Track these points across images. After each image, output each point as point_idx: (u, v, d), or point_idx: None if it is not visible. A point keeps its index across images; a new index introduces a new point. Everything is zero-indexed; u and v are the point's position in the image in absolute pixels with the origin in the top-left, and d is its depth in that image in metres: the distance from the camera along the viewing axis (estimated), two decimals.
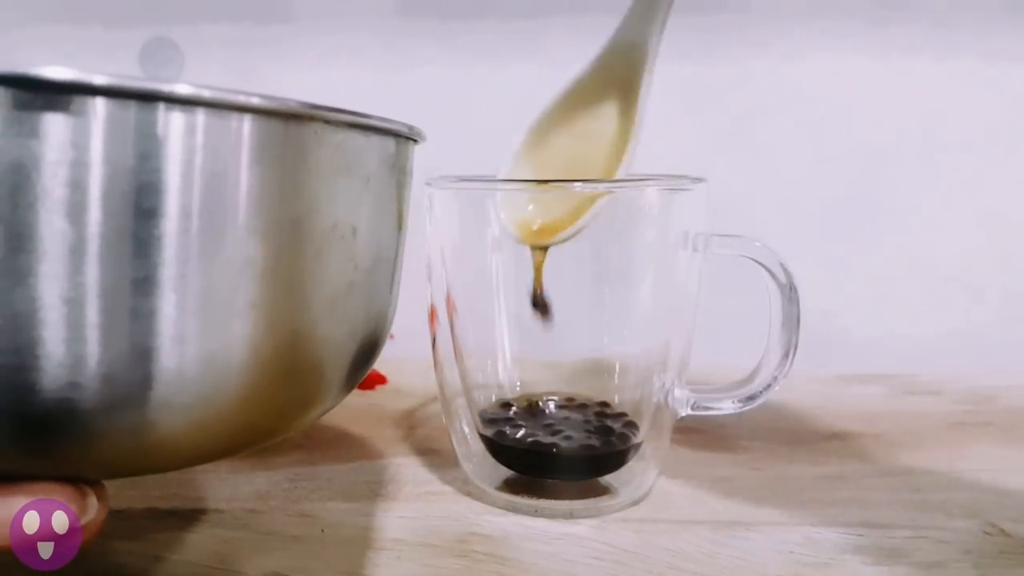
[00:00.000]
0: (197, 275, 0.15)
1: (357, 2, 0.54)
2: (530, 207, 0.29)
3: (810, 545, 0.26)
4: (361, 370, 0.22)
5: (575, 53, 0.54)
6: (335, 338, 0.19)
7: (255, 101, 0.15)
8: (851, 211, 0.55)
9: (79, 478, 0.17)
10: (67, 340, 0.14)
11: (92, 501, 0.17)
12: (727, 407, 0.30)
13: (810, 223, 0.55)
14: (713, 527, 0.28)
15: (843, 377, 0.48)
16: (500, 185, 0.30)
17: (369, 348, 0.22)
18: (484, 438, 0.31)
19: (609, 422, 0.30)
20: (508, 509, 0.29)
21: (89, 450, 0.16)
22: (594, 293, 0.30)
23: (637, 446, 0.30)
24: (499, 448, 0.30)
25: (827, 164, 0.55)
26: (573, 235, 0.29)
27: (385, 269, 0.22)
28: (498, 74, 0.53)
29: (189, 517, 0.28)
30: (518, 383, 0.31)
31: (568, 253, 0.30)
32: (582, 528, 0.28)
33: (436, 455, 0.34)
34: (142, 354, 0.15)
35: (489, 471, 0.31)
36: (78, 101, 0.13)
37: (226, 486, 0.31)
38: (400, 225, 0.23)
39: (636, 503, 0.30)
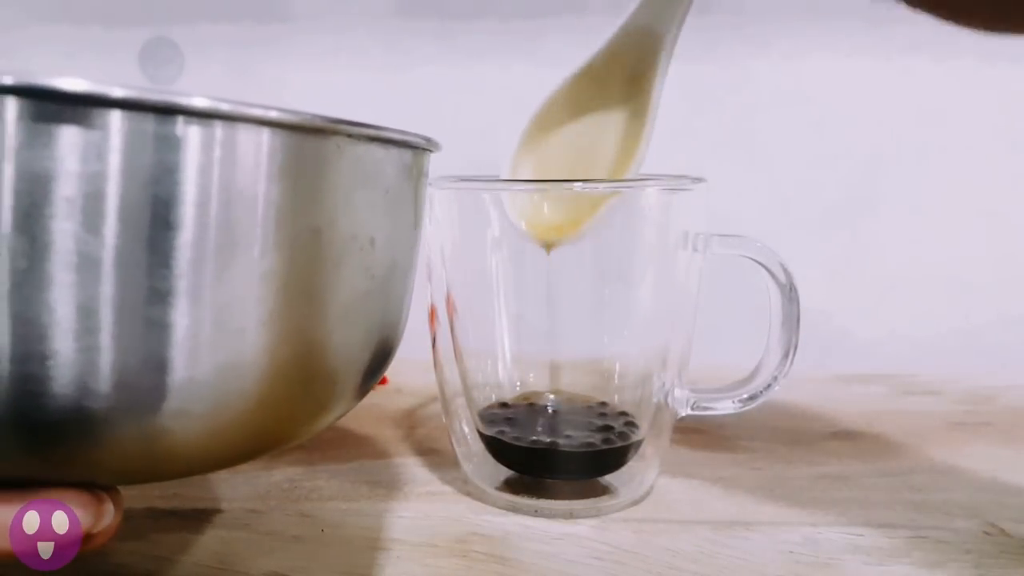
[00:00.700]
0: (213, 287, 0.15)
1: (357, 2, 0.54)
2: (542, 205, 0.29)
3: (810, 545, 0.26)
4: (374, 376, 0.22)
5: (575, 53, 0.54)
6: (350, 346, 0.20)
7: (273, 115, 0.15)
8: (851, 211, 0.55)
9: (94, 484, 0.17)
10: (82, 349, 0.14)
11: (108, 507, 0.17)
12: (727, 407, 0.30)
13: (810, 223, 0.55)
14: (713, 527, 0.28)
15: (843, 377, 0.48)
16: (500, 185, 0.30)
17: (383, 354, 0.22)
18: (484, 438, 0.31)
19: (609, 421, 0.30)
20: (508, 509, 0.29)
21: (103, 457, 0.16)
22: (594, 293, 0.30)
23: (637, 444, 0.30)
24: (499, 448, 0.30)
25: (827, 164, 0.55)
26: (586, 231, 0.28)
27: (400, 277, 0.22)
28: (498, 74, 0.53)
29: (189, 517, 0.28)
30: (518, 383, 0.31)
31: (568, 253, 0.30)
32: (582, 528, 0.28)
33: (436, 455, 0.34)
34: (157, 364, 0.15)
35: (489, 471, 0.31)
36: (96, 113, 0.13)
37: (226, 486, 0.31)
38: (416, 234, 0.23)
39: (636, 503, 0.30)
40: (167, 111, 0.14)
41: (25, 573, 0.22)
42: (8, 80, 0.13)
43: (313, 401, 0.19)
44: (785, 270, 0.28)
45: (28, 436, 0.15)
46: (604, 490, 0.30)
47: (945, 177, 0.54)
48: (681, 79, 0.54)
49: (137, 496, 0.29)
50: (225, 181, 0.15)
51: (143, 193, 0.14)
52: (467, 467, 0.31)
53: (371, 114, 0.19)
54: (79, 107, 0.13)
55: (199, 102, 0.14)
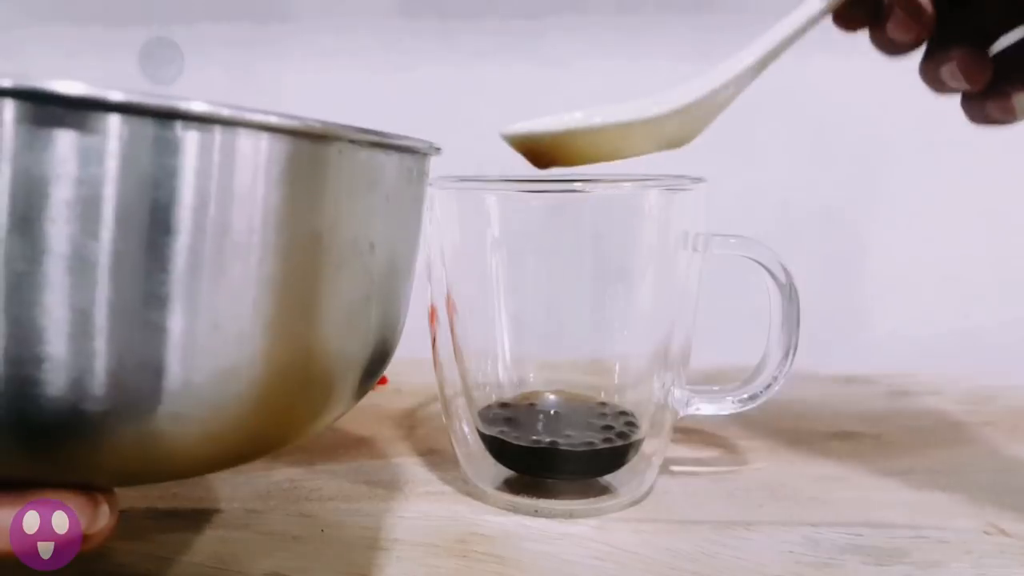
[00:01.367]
0: (211, 292, 0.15)
1: (357, 2, 0.54)
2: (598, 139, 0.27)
3: (810, 545, 0.26)
4: (372, 378, 0.22)
5: (575, 53, 0.54)
6: (349, 350, 0.19)
7: (274, 120, 0.15)
8: (851, 211, 0.55)
9: (91, 485, 0.17)
10: (79, 352, 0.14)
11: (104, 509, 0.17)
12: (727, 407, 0.30)
13: (810, 223, 0.55)
14: (713, 527, 0.28)
15: (843, 377, 0.48)
16: (500, 185, 0.30)
17: (381, 356, 0.22)
18: (484, 438, 0.31)
19: (609, 420, 0.30)
20: (508, 509, 0.29)
21: (99, 459, 0.16)
22: (594, 293, 0.30)
23: (638, 444, 0.30)
24: (499, 448, 0.30)
25: (827, 164, 0.55)
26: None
27: (400, 280, 0.22)
28: (499, 74, 0.53)
29: (189, 517, 0.28)
30: (518, 383, 0.31)
31: (568, 253, 0.30)
32: (582, 528, 0.28)
33: (436, 455, 0.34)
34: (153, 368, 0.15)
35: (489, 471, 0.31)
36: (94, 117, 0.13)
37: (226, 486, 0.31)
38: (416, 237, 0.23)
39: (636, 503, 0.30)
40: (166, 115, 0.14)
41: (25, 573, 0.22)
42: (6, 83, 0.13)
43: (310, 404, 0.19)
44: (785, 270, 0.28)
45: (24, 438, 0.15)
46: (604, 490, 0.30)
47: (945, 177, 0.54)
48: (681, 79, 0.54)
49: (137, 496, 0.29)
50: (224, 186, 0.15)
51: (141, 197, 0.14)
52: (467, 467, 0.31)
53: (371, 114, 0.19)
54: (77, 110, 0.13)
55: (198, 107, 0.14)
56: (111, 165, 0.14)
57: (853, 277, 0.56)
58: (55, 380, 0.14)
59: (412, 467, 0.33)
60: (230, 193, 0.15)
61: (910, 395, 0.45)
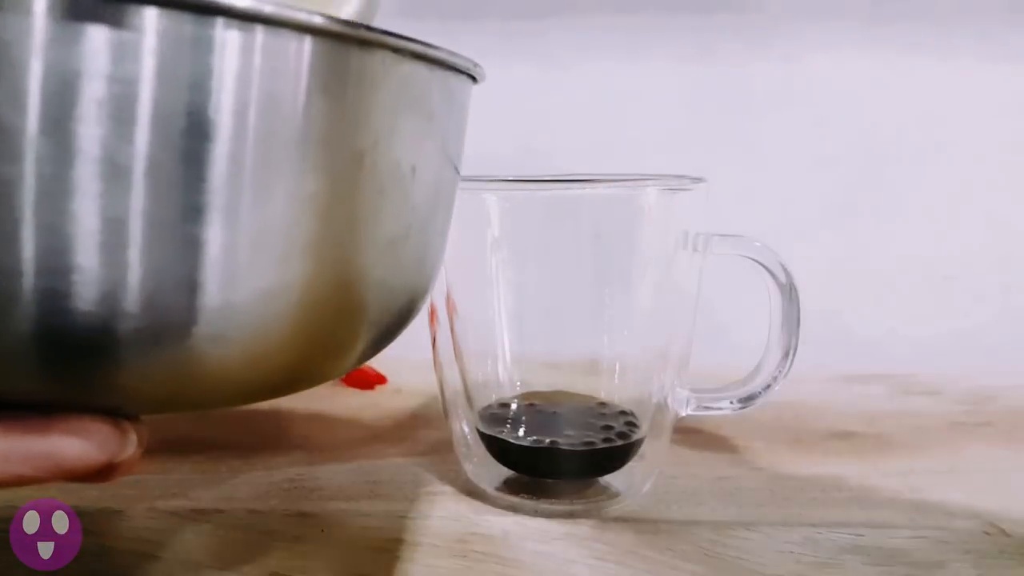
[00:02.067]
0: (251, 207, 0.14)
1: None
2: None
3: (810, 545, 0.26)
4: (400, 325, 0.21)
5: (575, 53, 0.54)
6: (387, 283, 0.18)
7: (318, 21, 0.14)
8: (851, 211, 0.55)
9: (118, 412, 0.16)
10: (110, 264, 0.13)
11: (131, 438, 0.16)
12: (727, 407, 0.30)
13: (810, 223, 0.55)
14: (713, 527, 0.28)
15: (843, 377, 0.48)
16: (500, 185, 0.30)
17: (412, 302, 0.21)
18: (484, 438, 0.31)
19: (609, 420, 0.30)
20: (508, 509, 0.29)
21: (129, 382, 0.15)
22: (594, 293, 0.30)
23: (637, 444, 0.30)
24: (499, 448, 0.30)
25: (827, 164, 0.55)
26: None
27: (441, 218, 0.21)
28: (499, 74, 0.53)
29: (189, 517, 0.28)
30: (518, 383, 0.31)
31: (568, 253, 0.30)
32: (582, 528, 0.28)
33: (436, 455, 0.34)
34: (189, 286, 0.14)
35: (489, 471, 0.31)
36: (130, 11, 0.13)
37: (226, 486, 0.31)
38: (455, 172, 0.21)
39: (636, 503, 0.30)
40: (206, 10, 0.13)
41: (25, 573, 0.22)
42: None
43: (345, 336, 0.18)
44: (785, 270, 0.28)
45: (51, 356, 0.14)
46: (604, 490, 0.30)
47: (945, 177, 0.54)
48: (681, 79, 0.54)
49: (137, 496, 0.29)
50: (266, 91, 0.14)
51: (178, 99, 0.13)
52: (467, 467, 0.31)
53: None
54: (112, 3, 0.12)
55: (240, 3, 0.13)
56: (147, 63, 0.13)
57: (853, 277, 0.56)
58: (85, 294, 0.13)
59: (412, 467, 0.33)
60: (272, 99, 0.14)
61: (910, 395, 0.45)
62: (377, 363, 0.47)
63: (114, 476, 0.16)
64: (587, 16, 0.53)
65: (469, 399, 0.31)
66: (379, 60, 0.16)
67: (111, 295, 0.13)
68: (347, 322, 0.18)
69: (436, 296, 0.30)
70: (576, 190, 0.30)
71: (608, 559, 0.25)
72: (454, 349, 0.31)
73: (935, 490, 0.31)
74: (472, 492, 0.30)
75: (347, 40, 0.15)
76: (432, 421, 0.39)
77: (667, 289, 0.30)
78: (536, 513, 0.29)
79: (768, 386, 0.29)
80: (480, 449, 0.31)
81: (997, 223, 0.55)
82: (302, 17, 0.14)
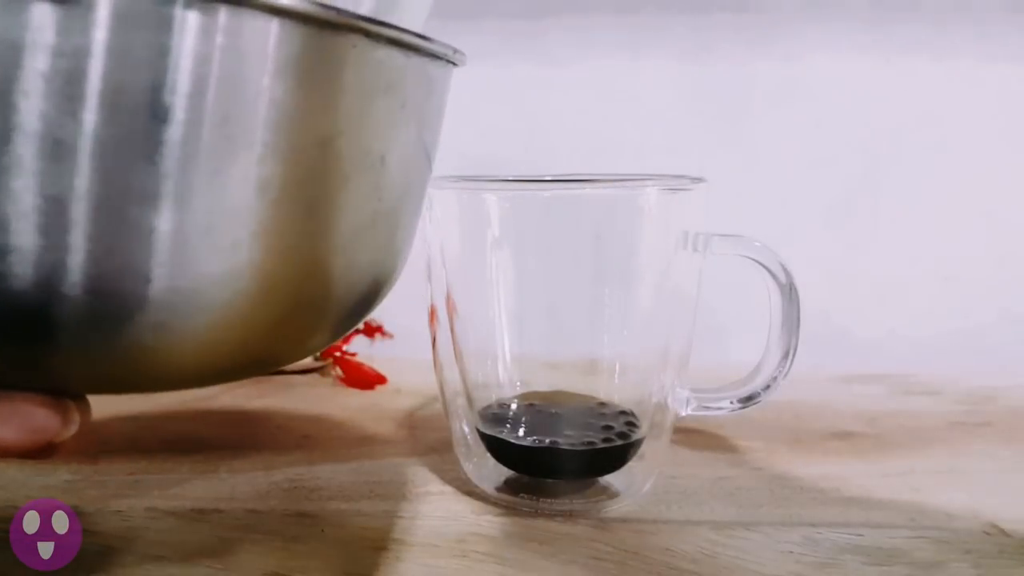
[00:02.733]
0: (203, 192, 0.14)
1: None
2: None
3: (810, 545, 0.26)
4: (362, 312, 0.20)
5: (575, 53, 0.54)
6: (349, 274, 0.18)
7: (284, 3, 0.14)
8: (851, 211, 0.55)
9: (64, 391, 0.16)
10: (50, 246, 0.13)
11: (73, 418, 0.16)
12: (727, 407, 0.30)
13: (810, 223, 0.55)
14: (713, 527, 0.28)
15: (843, 377, 0.48)
16: (500, 185, 0.30)
17: (375, 289, 0.20)
18: (484, 438, 0.31)
19: (609, 420, 0.30)
20: (508, 509, 0.29)
21: (71, 364, 0.15)
22: (594, 293, 0.30)
23: (637, 444, 0.30)
24: (499, 448, 0.30)
25: (827, 164, 0.55)
26: None
27: (410, 205, 0.20)
28: (499, 74, 0.53)
29: (189, 517, 0.28)
30: (518, 383, 0.31)
31: (568, 253, 0.30)
32: (582, 528, 0.28)
33: (436, 455, 0.34)
34: (134, 271, 0.14)
35: (489, 471, 0.31)
36: None
37: (226, 486, 0.31)
38: (430, 160, 0.21)
39: (636, 503, 0.30)
40: None
41: (25, 573, 0.22)
42: None
43: (300, 326, 0.18)
44: (785, 270, 0.28)
45: None
46: (604, 490, 0.30)
47: (945, 177, 0.54)
48: (681, 79, 0.54)
49: (137, 496, 0.29)
50: (226, 74, 0.13)
51: (130, 77, 0.12)
52: (467, 467, 0.31)
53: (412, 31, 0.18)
54: None
55: None
56: (97, 37, 0.12)
57: (853, 277, 0.56)
58: (23, 274, 0.13)
59: (412, 467, 0.33)
60: (232, 83, 0.14)
61: (910, 395, 0.45)
62: (377, 363, 0.47)
63: (53, 454, 0.16)
64: (587, 16, 0.53)
65: (469, 399, 0.31)
66: (351, 44, 0.15)
67: (51, 277, 0.13)
68: (305, 310, 0.17)
69: (436, 296, 0.30)
70: (576, 190, 0.30)
71: (608, 559, 0.25)
72: (454, 349, 0.31)
73: (935, 490, 0.31)
74: (472, 492, 0.30)
75: (317, 23, 0.14)
76: (432, 421, 0.39)
77: (667, 289, 0.30)
78: (536, 513, 0.29)
79: (768, 386, 0.29)
80: (480, 449, 0.31)
81: (997, 223, 0.55)
82: None
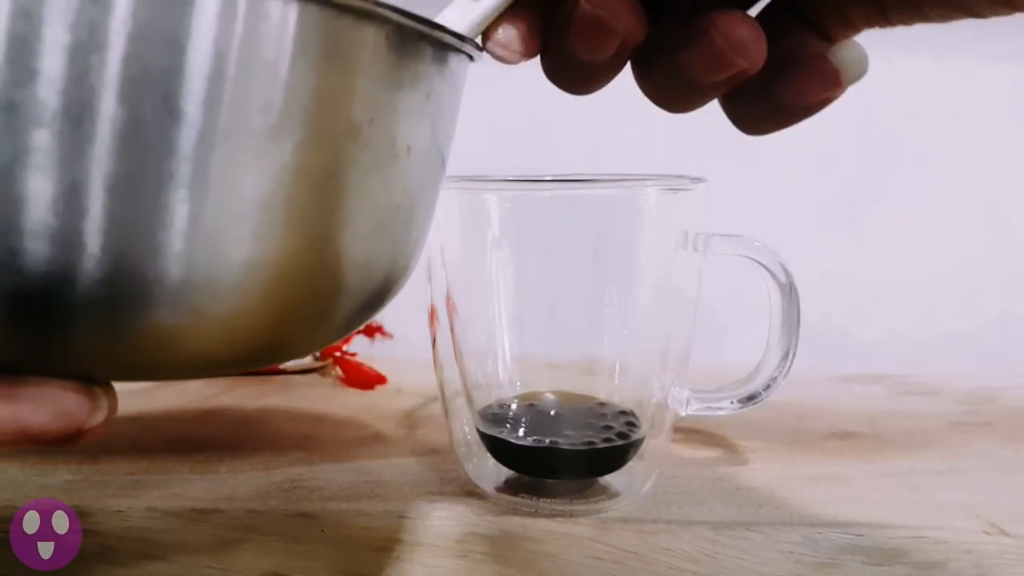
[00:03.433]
0: (222, 176, 0.14)
1: None
2: None
3: (810, 545, 0.26)
4: (377, 305, 0.20)
5: None
6: (369, 263, 0.18)
7: None
8: (851, 211, 0.55)
9: (89, 377, 0.16)
10: (71, 229, 0.13)
11: (101, 404, 0.16)
12: (727, 407, 0.30)
13: (810, 223, 0.55)
14: (713, 527, 0.28)
15: (843, 377, 0.48)
16: (500, 185, 0.30)
17: (391, 282, 0.20)
18: (484, 438, 0.31)
19: (609, 420, 0.30)
20: (508, 509, 0.29)
21: (94, 348, 0.15)
22: (594, 293, 0.30)
23: (637, 444, 0.30)
24: (499, 448, 0.30)
25: (827, 164, 0.55)
26: None
27: (429, 199, 0.20)
28: (498, 74, 0.53)
29: (189, 517, 0.28)
30: (518, 383, 0.31)
31: (568, 253, 0.30)
32: (582, 528, 0.28)
33: (436, 455, 0.34)
34: (155, 255, 0.13)
35: (489, 471, 0.31)
36: None
37: (226, 486, 0.31)
38: (445, 154, 0.21)
39: (636, 503, 0.30)
40: None
41: (25, 573, 0.22)
42: None
43: (315, 315, 0.18)
44: (785, 270, 0.28)
45: (12, 318, 0.13)
46: (604, 490, 0.30)
47: (945, 177, 0.54)
48: None
49: (137, 496, 0.29)
50: (246, 58, 0.13)
51: (149, 57, 0.12)
52: (467, 467, 0.31)
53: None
54: None
55: None
56: (118, 15, 0.12)
57: (853, 277, 0.56)
58: (45, 257, 0.13)
59: (412, 467, 0.33)
60: (256, 66, 0.13)
61: (910, 395, 0.45)
62: (377, 363, 0.47)
63: (82, 441, 0.16)
64: None
65: (469, 399, 0.31)
66: (381, 34, 0.15)
67: (72, 260, 0.13)
68: (323, 299, 0.17)
69: (436, 296, 0.30)
70: (576, 190, 0.30)
71: (608, 559, 0.25)
72: (454, 349, 0.31)
73: (935, 490, 0.31)
74: (472, 492, 0.30)
75: (342, 10, 0.14)
76: (432, 421, 0.39)
77: (667, 289, 0.30)
78: (536, 513, 0.29)
79: (768, 386, 0.29)
80: (480, 449, 0.31)
81: (997, 223, 0.55)
82: None
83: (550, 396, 0.32)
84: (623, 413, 0.31)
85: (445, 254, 0.30)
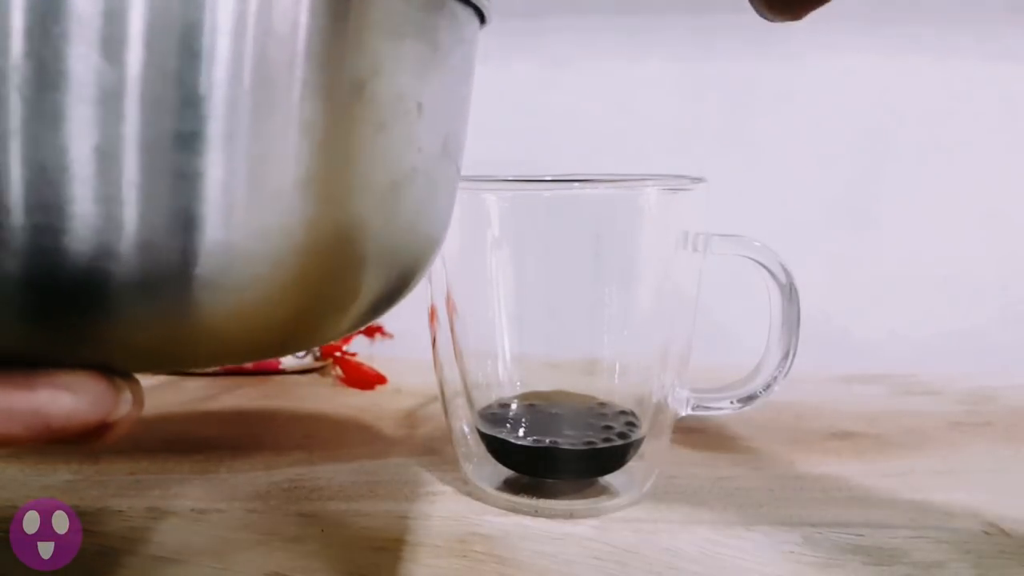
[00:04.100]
0: (250, 135, 0.13)
1: None
2: None
3: (810, 545, 0.26)
4: (403, 285, 0.20)
5: (575, 53, 0.54)
6: (390, 232, 0.17)
7: None
8: (851, 211, 0.55)
9: (110, 368, 0.15)
10: (101, 199, 0.12)
11: (126, 395, 0.15)
12: (727, 407, 0.30)
13: (810, 223, 0.55)
14: (713, 527, 0.28)
15: (843, 377, 0.48)
16: (500, 185, 0.30)
17: (417, 259, 0.19)
18: (484, 438, 0.31)
19: (609, 420, 0.30)
20: (508, 509, 0.29)
21: (123, 333, 0.14)
22: (594, 293, 0.30)
23: (637, 444, 0.30)
24: (499, 448, 0.30)
25: (827, 164, 0.55)
26: None
27: (449, 166, 0.20)
28: (498, 74, 0.53)
29: (189, 517, 0.28)
30: (518, 383, 0.31)
31: (568, 253, 0.30)
32: (582, 528, 0.28)
33: (436, 455, 0.34)
34: (187, 221, 0.13)
35: (489, 471, 0.31)
36: None
37: (226, 486, 0.31)
38: (464, 115, 0.20)
39: (636, 503, 0.30)
40: None
41: (25, 573, 0.22)
42: None
43: (344, 290, 0.17)
44: (785, 270, 0.28)
45: (37, 301, 0.13)
46: (604, 490, 0.30)
47: (945, 177, 0.54)
48: (681, 79, 0.54)
49: (137, 496, 0.29)
50: (264, 8, 0.13)
51: (172, 15, 0.12)
52: (467, 467, 0.31)
53: None
54: None
55: None
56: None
57: (853, 277, 0.56)
58: (72, 231, 0.12)
59: (412, 467, 0.33)
60: (269, 17, 0.13)
61: (910, 395, 0.45)
62: (377, 363, 0.47)
63: (107, 438, 0.15)
64: (587, 16, 0.53)
65: (469, 399, 0.31)
66: None
67: (104, 233, 0.12)
68: (347, 271, 0.17)
69: (436, 296, 0.30)
70: (576, 190, 0.30)
71: (608, 559, 0.25)
72: (454, 349, 0.31)
73: (935, 490, 0.31)
74: (472, 492, 0.30)
75: None
76: (432, 421, 0.39)
77: (667, 289, 0.30)
78: (536, 513, 0.29)
79: (768, 386, 0.29)
80: (480, 449, 0.31)
81: (997, 223, 0.55)
82: None
83: (550, 396, 0.32)
84: (623, 413, 0.31)
85: (445, 254, 0.30)
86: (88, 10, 0.12)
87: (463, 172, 0.30)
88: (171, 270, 0.13)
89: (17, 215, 0.12)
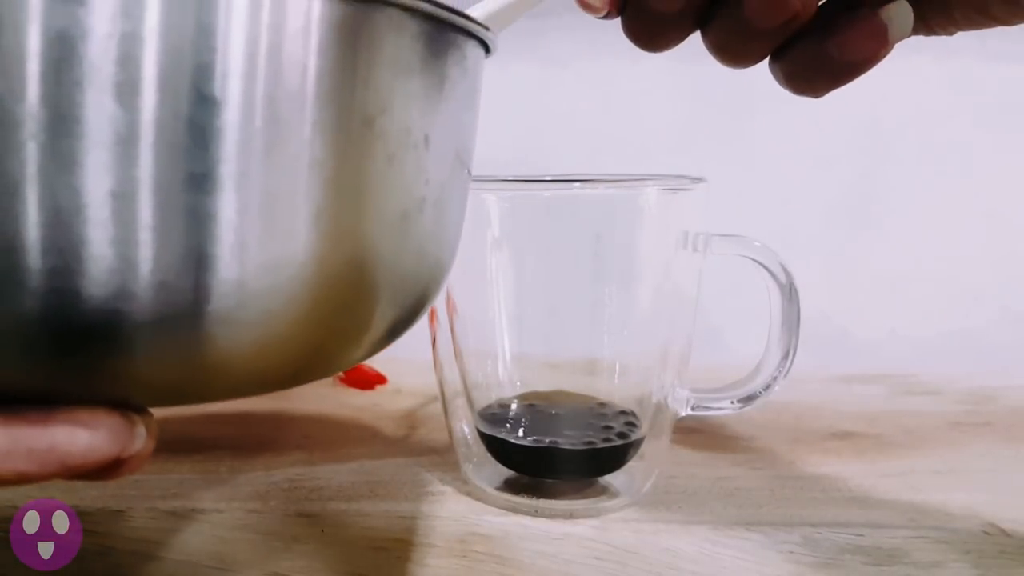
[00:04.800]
0: (261, 173, 0.14)
1: None
2: None
3: (810, 545, 0.26)
4: (416, 311, 0.20)
5: (575, 53, 0.54)
6: (400, 263, 0.18)
7: None
8: (851, 211, 0.55)
9: (125, 404, 0.15)
10: (116, 241, 0.13)
11: (140, 431, 0.15)
12: (727, 407, 0.30)
13: (810, 223, 0.55)
14: (713, 527, 0.28)
15: (843, 377, 0.48)
16: (500, 185, 0.30)
17: (427, 286, 0.20)
18: (484, 438, 0.31)
19: (609, 420, 0.30)
20: (508, 509, 0.29)
21: (138, 369, 0.14)
22: (594, 293, 0.30)
23: (637, 444, 0.30)
24: (499, 448, 0.30)
25: (827, 164, 0.55)
26: None
27: (456, 196, 0.20)
28: (498, 74, 0.53)
29: (189, 517, 0.28)
30: (518, 383, 0.31)
31: (568, 253, 0.30)
32: (582, 528, 0.28)
33: (436, 455, 0.34)
34: (200, 260, 0.13)
35: (489, 471, 0.31)
36: None
37: (226, 486, 0.31)
38: (471, 143, 0.21)
39: (636, 503, 0.30)
40: None
41: (25, 573, 0.22)
42: None
43: (355, 322, 0.17)
44: (785, 270, 0.28)
45: (53, 341, 0.13)
46: (604, 490, 0.30)
47: (945, 177, 0.54)
48: (681, 79, 0.54)
49: (137, 496, 0.29)
50: (274, 50, 0.13)
51: (183, 59, 0.13)
52: (467, 467, 0.31)
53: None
54: None
55: None
56: (150, 21, 0.12)
57: (853, 277, 0.56)
58: (87, 272, 0.13)
59: (412, 467, 0.33)
60: (279, 59, 0.14)
61: (910, 395, 0.45)
62: (377, 363, 0.47)
63: (122, 472, 0.15)
64: (587, 16, 0.53)
65: (469, 399, 0.31)
66: (387, 17, 0.15)
67: (119, 274, 0.13)
68: (360, 303, 0.17)
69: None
70: (576, 190, 0.30)
71: (608, 559, 0.25)
72: (454, 349, 0.31)
73: (935, 490, 0.31)
74: (472, 492, 0.30)
75: None
76: (432, 421, 0.39)
77: (667, 289, 0.30)
78: (536, 513, 0.29)
79: (768, 386, 0.29)
80: (480, 449, 0.31)
81: (997, 223, 0.55)
82: None
83: (550, 396, 0.32)
84: (623, 413, 0.31)
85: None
86: (101, 57, 0.12)
87: None
88: (185, 309, 0.14)
89: (34, 258, 0.12)
